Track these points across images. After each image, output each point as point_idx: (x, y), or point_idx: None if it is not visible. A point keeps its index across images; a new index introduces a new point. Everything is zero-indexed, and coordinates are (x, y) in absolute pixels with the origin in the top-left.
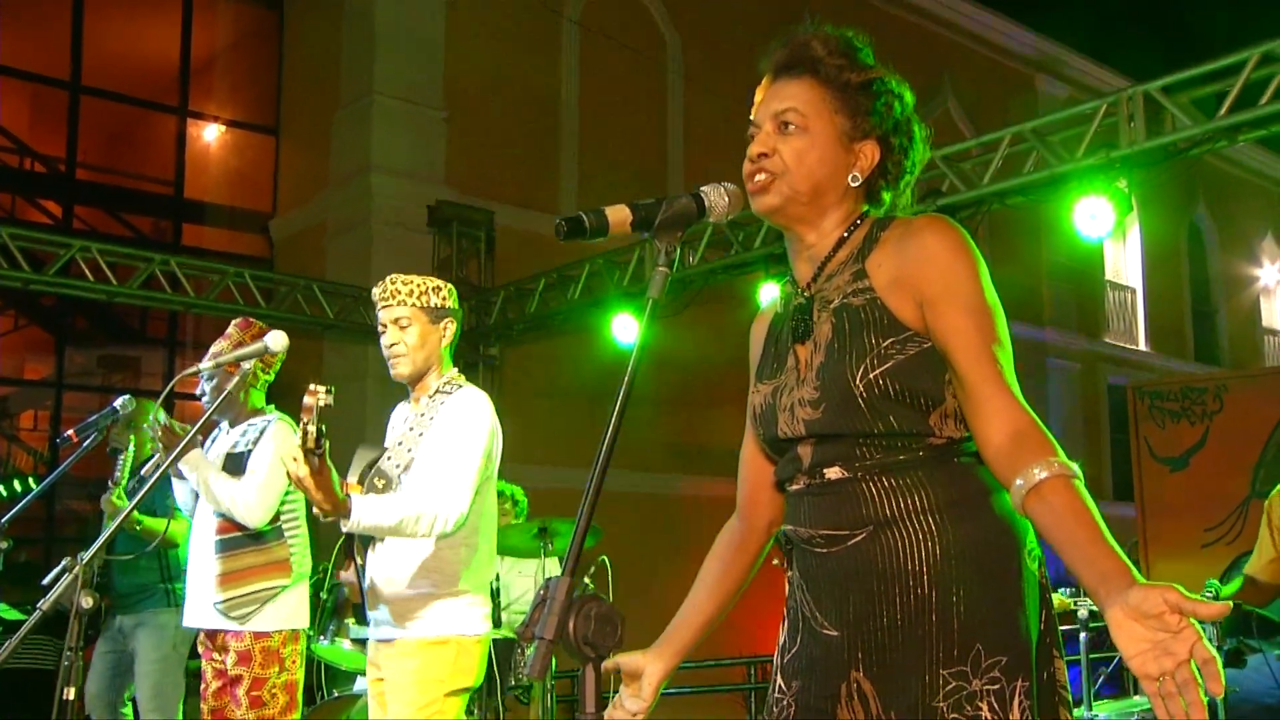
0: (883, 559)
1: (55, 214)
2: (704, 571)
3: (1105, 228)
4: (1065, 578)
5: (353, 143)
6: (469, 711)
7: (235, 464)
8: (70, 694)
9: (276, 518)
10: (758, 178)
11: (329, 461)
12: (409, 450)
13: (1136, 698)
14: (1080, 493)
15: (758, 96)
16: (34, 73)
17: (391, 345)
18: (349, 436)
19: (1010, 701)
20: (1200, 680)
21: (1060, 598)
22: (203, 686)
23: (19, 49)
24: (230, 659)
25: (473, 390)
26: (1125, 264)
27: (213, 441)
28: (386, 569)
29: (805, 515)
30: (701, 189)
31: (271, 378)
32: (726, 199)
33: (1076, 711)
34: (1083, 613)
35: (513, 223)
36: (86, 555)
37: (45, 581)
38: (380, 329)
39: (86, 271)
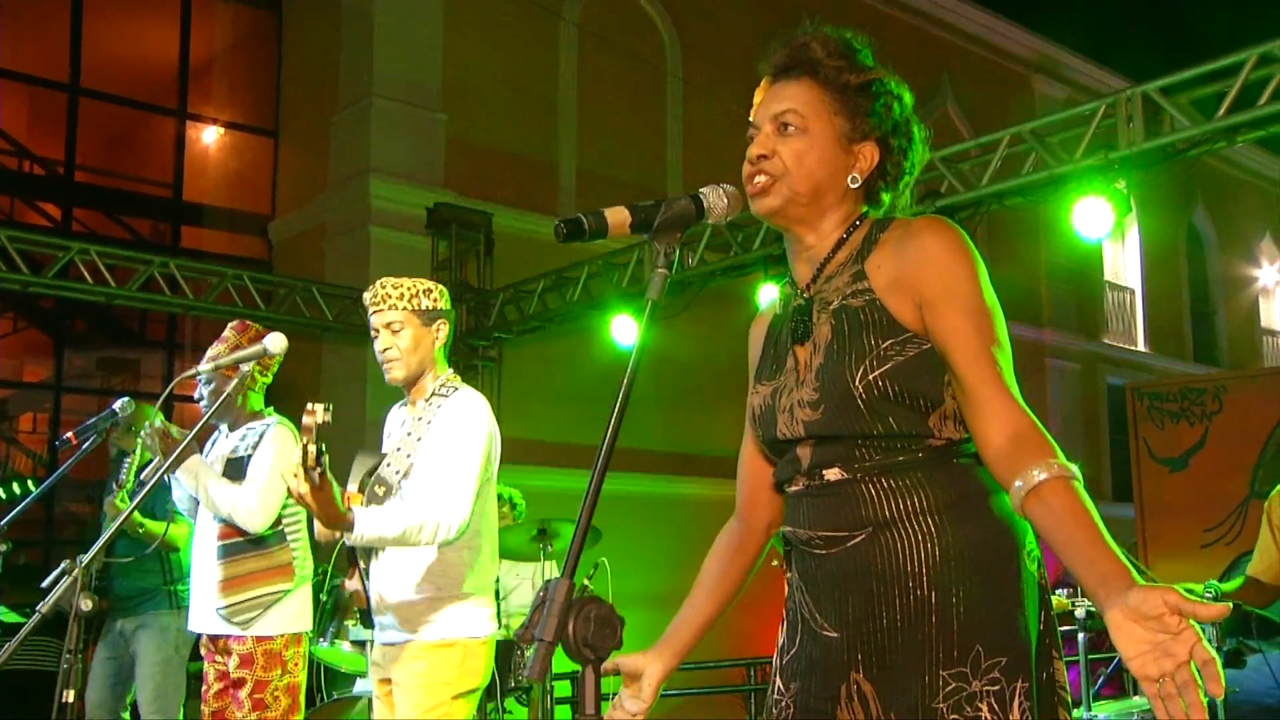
0: (882, 560)
1: (54, 216)
2: (703, 573)
3: (1104, 228)
4: (1063, 579)
5: (352, 145)
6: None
7: (236, 469)
8: (70, 696)
9: (278, 521)
10: (757, 179)
11: (329, 476)
12: (408, 456)
13: (1136, 698)
14: (1079, 494)
15: (757, 98)
16: (33, 75)
17: (385, 350)
18: (348, 439)
19: (1010, 702)
20: (1200, 681)
21: (1059, 599)
22: (204, 688)
23: (18, 51)
24: (233, 662)
25: (469, 392)
26: (1124, 265)
27: (212, 445)
28: (391, 575)
29: (804, 516)
30: (701, 190)
31: (270, 380)
32: (726, 200)
33: (1076, 712)
34: (1079, 613)
35: (511, 225)
36: (86, 558)
37: (45, 584)
38: (373, 334)
39: (85, 274)
